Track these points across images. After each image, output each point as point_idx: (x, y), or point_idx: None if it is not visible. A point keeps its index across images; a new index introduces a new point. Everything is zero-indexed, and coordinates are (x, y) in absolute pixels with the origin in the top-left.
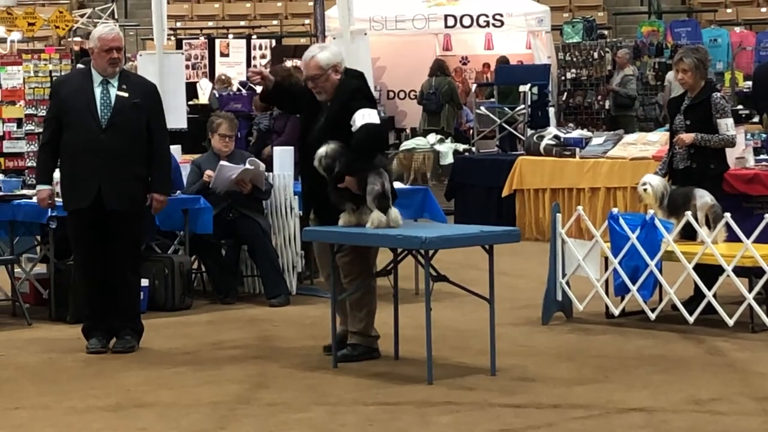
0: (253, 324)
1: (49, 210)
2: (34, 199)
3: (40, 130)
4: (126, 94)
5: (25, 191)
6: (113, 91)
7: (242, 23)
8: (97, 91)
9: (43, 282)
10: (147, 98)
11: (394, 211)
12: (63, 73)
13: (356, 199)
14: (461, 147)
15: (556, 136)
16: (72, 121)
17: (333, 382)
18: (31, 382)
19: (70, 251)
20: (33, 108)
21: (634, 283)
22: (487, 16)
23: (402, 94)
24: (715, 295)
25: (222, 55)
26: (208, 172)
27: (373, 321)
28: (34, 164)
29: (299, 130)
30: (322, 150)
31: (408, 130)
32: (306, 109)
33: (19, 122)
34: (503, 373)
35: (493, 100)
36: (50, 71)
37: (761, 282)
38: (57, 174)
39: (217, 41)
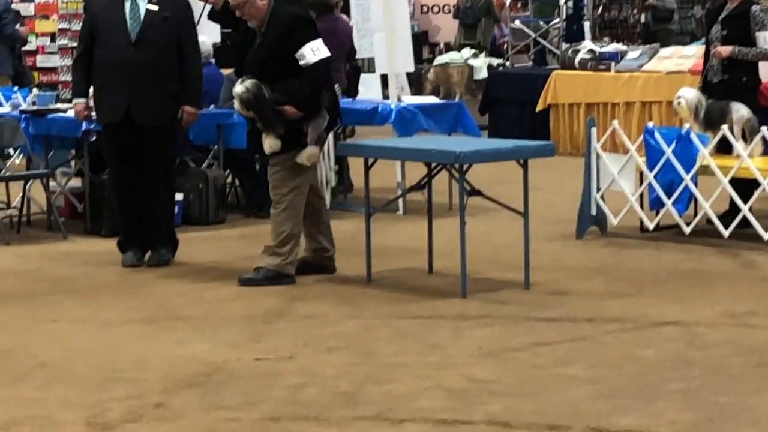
0: None
1: (84, 123)
2: (69, 113)
3: (74, 44)
4: (156, 8)
5: (59, 105)
6: (143, 5)
7: None
8: (127, 5)
9: (78, 196)
10: (177, 12)
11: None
12: None
13: (287, 127)
14: (495, 61)
15: (591, 50)
16: (102, 35)
17: (367, 296)
18: (67, 295)
19: (105, 165)
20: (66, 22)
21: (669, 197)
22: None
23: (436, 9)
24: (750, 209)
25: None
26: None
27: (290, 245)
28: (68, 78)
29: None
30: (241, 87)
31: (442, 45)
32: (244, 32)
33: (53, 36)
34: (537, 287)
35: (527, 13)
36: None
37: None
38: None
39: None
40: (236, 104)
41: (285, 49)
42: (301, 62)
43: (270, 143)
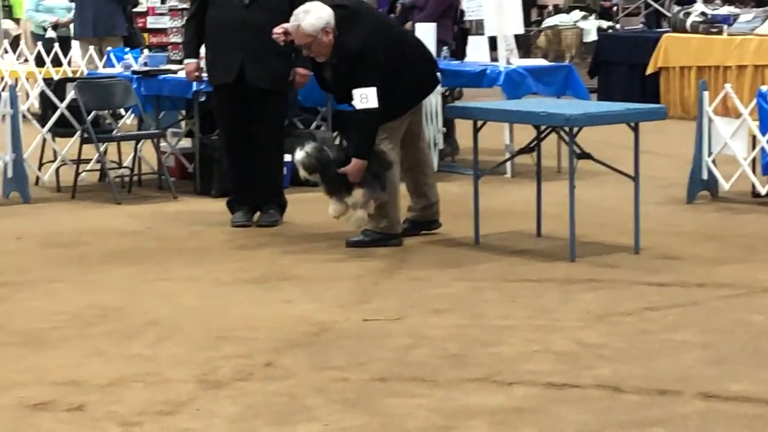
0: None
1: (195, 84)
2: (180, 74)
3: (184, 5)
4: None
5: (170, 66)
6: None
7: None
8: None
9: (188, 156)
10: None
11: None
12: None
13: (350, 190)
14: (605, 24)
15: (703, 13)
16: None
17: (475, 258)
18: (178, 254)
19: (215, 126)
20: None
21: None
22: None
23: None
24: None
25: None
26: None
27: (392, 206)
28: (178, 40)
29: (441, 7)
30: (301, 154)
31: (551, 7)
32: None
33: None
34: (647, 251)
35: None
36: None
37: None
38: (203, 49)
39: None
40: (300, 171)
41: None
42: (354, 99)
43: (334, 208)
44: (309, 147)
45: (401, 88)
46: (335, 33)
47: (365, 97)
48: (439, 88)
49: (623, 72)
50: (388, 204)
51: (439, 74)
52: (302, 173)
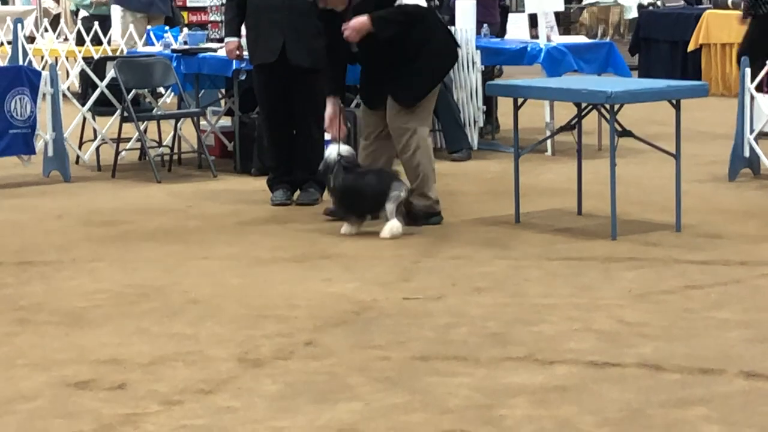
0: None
1: (235, 62)
2: (220, 52)
3: None
4: None
5: (209, 45)
6: None
7: None
8: None
9: (227, 135)
10: None
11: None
12: None
13: (362, 215)
14: (646, 1)
15: None
16: None
17: (516, 237)
18: (218, 232)
19: (255, 104)
20: None
21: None
22: None
23: None
24: None
25: None
26: None
27: (429, 183)
28: (217, 18)
29: None
30: (334, 154)
31: None
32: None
33: None
34: (688, 229)
35: None
36: None
37: None
38: (244, 28)
39: None
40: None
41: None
42: (397, 2)
43: (346, 228)
44: (334, 154)
45: (425, 64)
46: None
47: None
48: (480, 66)
49: (664, 49)
50: (426, 182)
51: (459, 49)
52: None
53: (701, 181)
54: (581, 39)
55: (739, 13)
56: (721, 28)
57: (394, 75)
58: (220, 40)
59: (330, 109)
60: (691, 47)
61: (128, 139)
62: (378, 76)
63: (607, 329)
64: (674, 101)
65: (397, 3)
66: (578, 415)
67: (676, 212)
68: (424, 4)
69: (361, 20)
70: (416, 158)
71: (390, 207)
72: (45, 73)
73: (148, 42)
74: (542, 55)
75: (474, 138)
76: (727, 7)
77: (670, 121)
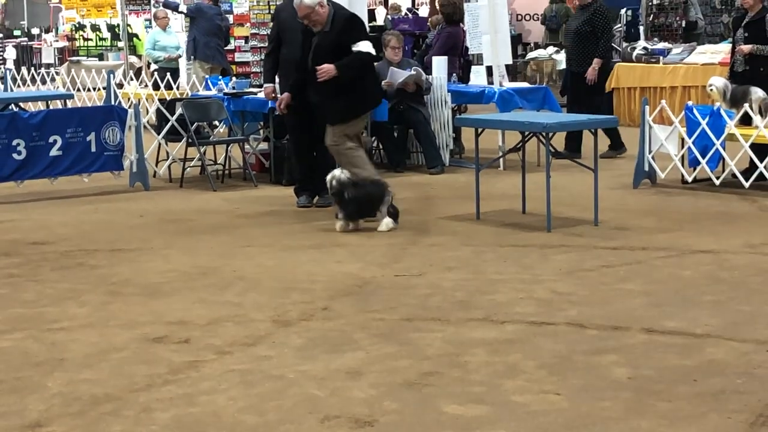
0: (417, 187)
1: (270, 102)
2: (259, 95)
3: (262, 45)
4: None
5: (251, 89)
6: None
7: None
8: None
9: (264, 155)
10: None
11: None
12: (280, 2)
13: (352, 216)
14: None
15: (645, 47)
16: (288, 38)
17: (476, 230)
18: (258, 227)
19: (285, 133)
20: (256, 28)
21: (703, 158)
22: None
23: (528, 17)
24: (766, 167)
25: None
26: (384, 82)
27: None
28: (258, 70)
29: (449, 45)
30: (337, 173)
31: (532, 44)
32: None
33: (246, 39)
34: (604, 223)
35: None
36: (269, 0)
37: None
38: (278, 77)
39: None
40: (328, 183)
41: (346, 41)
42: (354, 48)
43: (340, 225)
44: (343, 175)
45: (364, 90)
46: (329, 8)
47: (367, 46)
48: (450, 104)
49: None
50: (354, 171)
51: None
52: (328, 186)
53: (613, 189)
54: (524, 84)
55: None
56: (628, 76)
57: (328, 101)
58: (260, 86)
59: (270, 88)
60: (607, 89)
61: (192, 159)
62: (320, 99)
63: (544, 297)
64: (593, 130)
65: (355, 48)
66: (523, 361)
67: (594, 211)
68: (374, 52)
69: (329, 67)
70: (343, 164)
71: (384, 209)
72: (130, 111)
73: (206, 87)
74: (496, 96)
75: (446, 157)
76: (631, 61)
77: (589, 144)
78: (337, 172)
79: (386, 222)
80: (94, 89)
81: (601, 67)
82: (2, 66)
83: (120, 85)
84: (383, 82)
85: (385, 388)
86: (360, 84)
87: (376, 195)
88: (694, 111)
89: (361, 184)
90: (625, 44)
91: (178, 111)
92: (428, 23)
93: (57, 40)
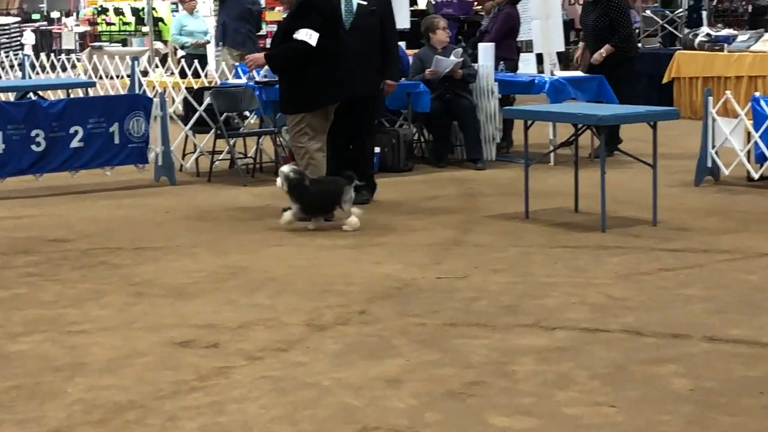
0: (460, 183)
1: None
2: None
3: None
4: (365, 3)
5: None
6: (355, 1)
7: None
8: (342, 0)
9: None
10: (381, 5)
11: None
12: None
13: (308, 209)
14: None
15: (708, 34)
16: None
17: (525, 229)
18: (290, 225)
19: None
20: None
21: None
22: None
23: (581, 1)
24: None
25: None
26: (428, 71)
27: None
28: None
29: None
30: (288, 168)
31: None
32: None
33: (278, 24)
34: (663, 224)
35: (656, 4)
36: None
37: None
38: None
39: None
40: (281, 179)
41: (293, 26)
42: (294, 36)
43: (286, 220)
44: (293, 171)
45: (309, 85)
46: None
47: (309, 36)
48: (497, 94)
49: (644, 81)
50: (307, 167)
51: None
52: (282, 183)
53: (673, 186)
54: (577, 73)
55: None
56: (689, 65)
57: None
58: None
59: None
60: (665, 80)
61: (220, 152)
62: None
63: (597, 302)
64: (651, 123)
65: (295, 36)
66: (574, 370)
67: (653, 210)
68: (313, 43)
69: (257, 56)
70: (300, 159)
71: (347, 207)
72: (156, 100)
73: (236, 75)
74: (547, 86)
75: (492, 151)
76: (694, 48)
77: (648, 138)
78: (289, 168)
79: (351, 222)
80: (118, 77)
81: (624, 57)
82: (20, 52)
83: (145, 73)
84: (427, 71)
85: (427, 398)
86: (304, 77)
87: (334, 190)
88: (762, 102)
89: (319, 179)
90: (686, 31)
91: (207, 100)
92: (480, 9)
93: (78, 25)
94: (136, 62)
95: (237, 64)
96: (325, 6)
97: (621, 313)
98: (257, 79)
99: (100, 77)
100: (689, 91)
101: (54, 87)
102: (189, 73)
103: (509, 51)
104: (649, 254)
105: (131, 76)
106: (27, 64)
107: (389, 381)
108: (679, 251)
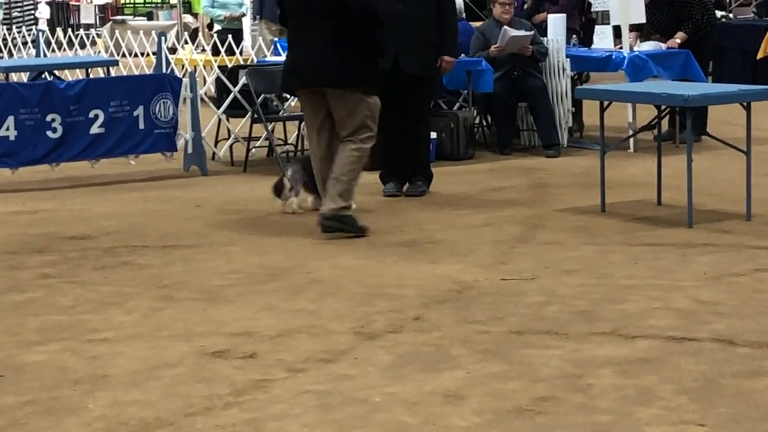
0: (528, 173)
1: None
2: None
3: None
4: None
5: None
6: None
7: None
8: None
9: None
10: None
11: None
12: None
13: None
14: (719, 13)
15: None
16: None
17: (601, 225)
18: None
19: None
20: None
21: None
22: None
23: None
24: None
25: None
26: (494, 47)
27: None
28: None
29: (572, 2)
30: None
31: None
32: None
33: None
34: (758, 218)
35: None
36: None
37: None
38: None
39: None
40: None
41: None
42: None
43: (290, 203)
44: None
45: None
46: None
47: None
48: (569, 72)
49: (736, 57)
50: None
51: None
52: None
53: None
54: (660, 47)
55: None
56: None
57: None
58: None
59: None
60: (760, 55)
61: (258, 138)
62: None
63: (684, 307)
64: (745, 104)
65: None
66: (658, 385)
67: (746, 203)
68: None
69: None
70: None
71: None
72: (185, 80)
73: (275, 52)
74: (626, 62)
75: (564, 136)
76: None
77: (741, 121)
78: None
79: (295, 202)
80: (143, 54)
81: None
82: (34, 27)
83: (173, 50)
84: (493, 47)
85: (491, 416)
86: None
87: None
88: None
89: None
90: None
91: (242, 80)
92: None
93: None
94: (163, 38)
95: (276, 39)
96: None
97: (711, 320)
98: None
99: (123, 55)
100: None
101: (72, 66)
102: (222, 50)
103: (574, 22)
104: (743, 253)
105: (157, 53)
106: (42, 40)
107: (448, 396)
108: None
